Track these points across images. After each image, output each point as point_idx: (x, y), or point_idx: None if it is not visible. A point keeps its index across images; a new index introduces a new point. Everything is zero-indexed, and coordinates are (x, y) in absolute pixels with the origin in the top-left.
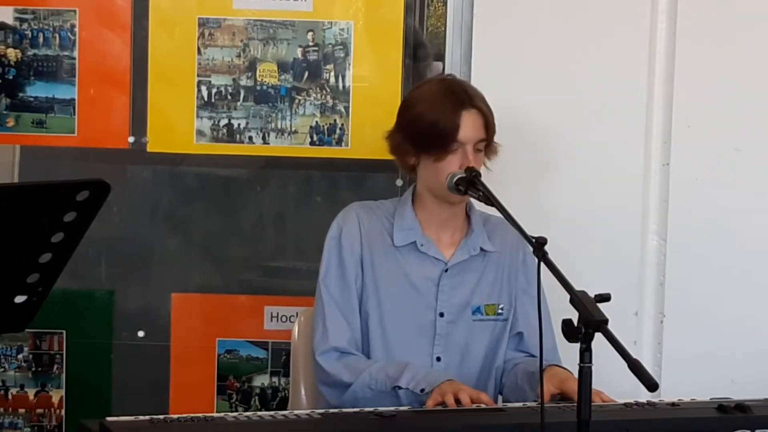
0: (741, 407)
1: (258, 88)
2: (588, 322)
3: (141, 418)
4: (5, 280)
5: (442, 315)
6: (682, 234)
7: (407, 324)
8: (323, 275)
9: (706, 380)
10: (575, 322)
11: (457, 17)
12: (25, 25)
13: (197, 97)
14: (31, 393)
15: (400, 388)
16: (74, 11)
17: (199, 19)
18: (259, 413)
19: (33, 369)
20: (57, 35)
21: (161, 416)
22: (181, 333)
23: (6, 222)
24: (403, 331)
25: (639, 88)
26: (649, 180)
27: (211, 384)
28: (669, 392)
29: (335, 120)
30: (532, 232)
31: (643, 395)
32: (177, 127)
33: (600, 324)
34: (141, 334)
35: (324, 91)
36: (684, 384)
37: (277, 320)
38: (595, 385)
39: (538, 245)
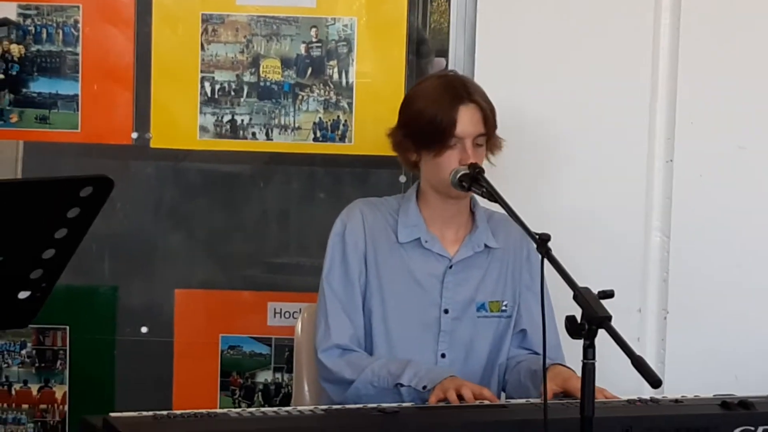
0: (744, 404)
1: (261, 84)
2: (591, 318)
3: (144, 413)
4: (9, 276)
5: (446, 312)
6: (685, 231)
7: (411, 321)
8: (326, 272)
9: (710, 377)
10: (578, 319)
11: (460, 13)
12: (28, 21)
13: (200, 93)
14: (34, 389)
15: (402, 385)
16: (77, 7)
17: (202, 15)
18: (263, 409)
19: (36, 365)
20: (60, 31)
21: (164, 412)
22: (185, 329)
23: (9, 218)
24: (407, 328)
25: (642, 84)
26: (652, 177)
27: (214, 380)
28: (672, 389)
29: (338, 116)
30: (536, 228)
31: (647, 392)
32: (180, 123)
33: (603, 320)
34: (144, 330)
35: (327, 87)
36: (687, 381)
37: (281, 316)
38: (598, 381)
39: (542, 242)
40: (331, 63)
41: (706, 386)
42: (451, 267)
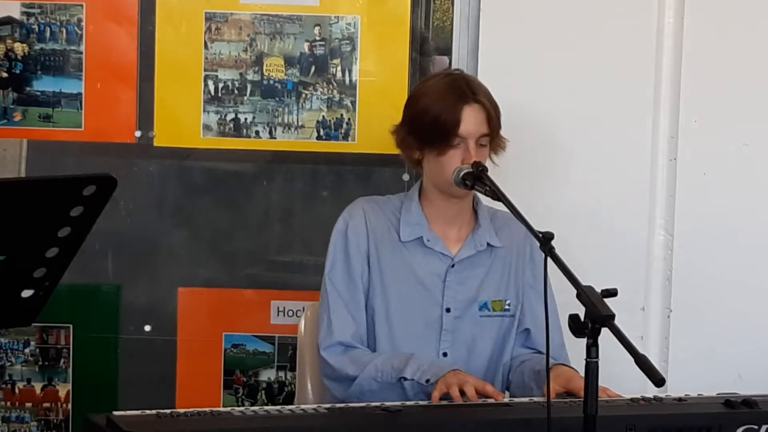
0: (748, 402)
1: (265, 82)
2: (595, 317)
3: (147, 412)
4: (12, 274)
5: (448, 310)
6: (689, 229)
7: (414, 319)
8: (329, 270)
9: (713, 375)
10: (582, 318)
11: (463, 11)
12: (32, 20)
13: (204, 92)
14: (37, 387)
15: (405, 379)
16: (81, 5)
17: (206, 13)
18: (266, 408)
19: (40, 363)
20: (64, 29)
21: (168, 411)
22: (188, 327)
23: (13, 216)
24: (409, 326)
25: (646, 83)
26: (656, 175)
27: (217, 378)
28: (676, 387)
29: (342, 114)
30: (539, 227)
31: (650, 390)
32: (184, 121)
33: (607, 319)
34: (147, 328)
35: (331, 86)
36: (691, 379)
37: (284, 315)
38: (602, 380)
39: (545, 240)
40: (335, 61)
41: (710, 385)
42: (453, 266)
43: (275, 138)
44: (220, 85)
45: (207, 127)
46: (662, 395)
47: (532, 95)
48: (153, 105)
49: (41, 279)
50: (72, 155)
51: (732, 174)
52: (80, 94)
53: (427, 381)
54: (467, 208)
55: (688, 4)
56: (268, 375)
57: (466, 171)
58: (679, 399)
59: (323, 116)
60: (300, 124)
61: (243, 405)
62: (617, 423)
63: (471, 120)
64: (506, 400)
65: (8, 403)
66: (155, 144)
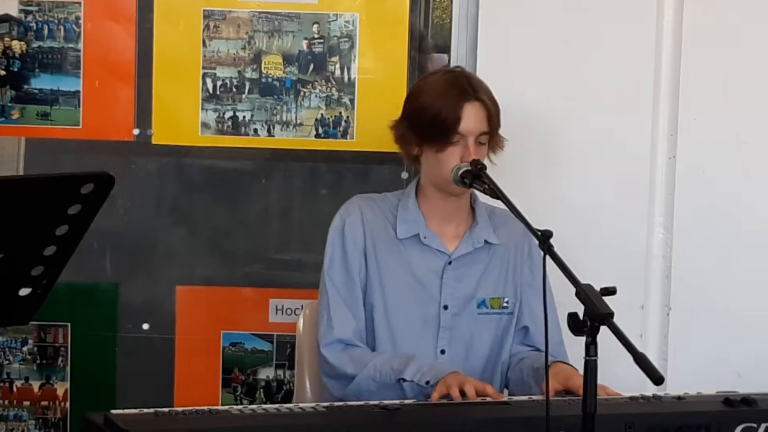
0: (747, 401)
1: (263, 80)
2: (594, 315)
3: (145, 410)
4: (10, 272)
5: (446, 308)
6: (688, 227)
7: (412, 316)
8: (327, 267)
9: (712, 374)
10: (581, 316)
11: (462, 9)
12: (29, 17)
13: (202, 90)
14: (35, 385)
15: (404, 380)
16: (79, 3)
17: (204, 11)
18: (264, 406)
19: (38, 361)
20: (62, 27)
21: (166, 409)
22: (186, 326)
23: (11, 214)
24: (408, 323)
25: (645, 80)
26: (655, 173)
27: (216, 377)
28: (675, 386)
29: (340, 112)
30: (538, 225)
31: (649, 388)
32: (182, 119)
33: (606, 317)
34: (146, 326)
35: (329, 84)
36: (690, 377)
37: (282, 313)
38: (601, 378)
39: (544, 238)
40: (333, 59)
41: (709, 383)
42: (450, 263)
43: (274, 136)
44: (219, 82)
45: (205, 125)
46: (661, 393)
47: (531, 93)
48: (151, 103)
49: (39, 277)
50: (70, 153)
51: (731, 172)
52: (78, 92)
53: (427, 383)
54: (464, 206)
55: (687, 2)
56: (266, 373)
57: (464, 169)
58: (678, 397)
59: (322, 114)
60: (298, 122)
61: (241, 403)
62: (616, 421)
63: (471, 118)
64: (505, 398)
65: (6, 402)
66: (153, 142)
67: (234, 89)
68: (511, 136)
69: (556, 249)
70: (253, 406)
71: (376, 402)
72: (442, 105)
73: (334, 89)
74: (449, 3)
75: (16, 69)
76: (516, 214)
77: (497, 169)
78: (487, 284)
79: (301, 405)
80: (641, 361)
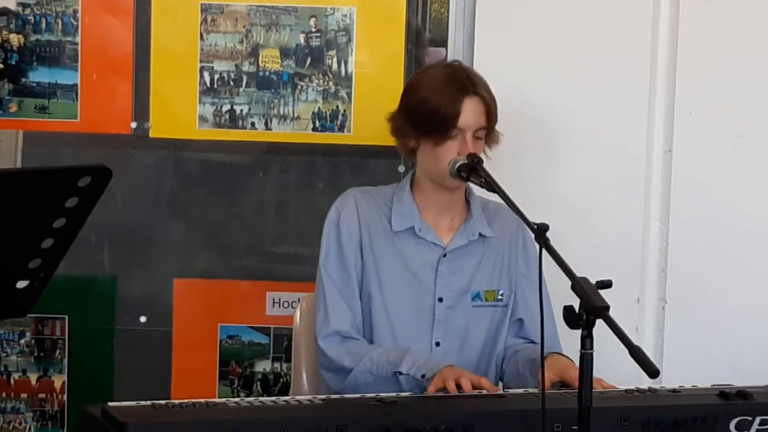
0: (742, 394)
1: (260, 73)
2: (589, 308)
3: (143, 403)
4: (7, 265)
5: (440, 300)
6: (684, 221)
7: (407, 308)
8: (323, 259)
9: (708, 367)
10: (576, 309)
11: (459, 3)
12: (27, 11)
13: (200, 83)
14: (33, 378)
15: (401, 373)
16: None
17: (201, 4)
18: (261, 399)
19: (35, 354)
20: (60, 20)
21: (163, 401)
22: (184, 318)
23: (8, 207)
24: (403, 315)
25: (641, 75)
26: (651, 167)
27: (213, 369)
28: (670, 379)
29: (337, 106)
30: (534, 218)
31: (645, 382)
32: (179, 112)
33: (601, 310)
34: (143, 319)
35: (326, 77)
36: (685, 371)
37: (279, 306)
38: (596, 371)
39: (540, 231)
40: (330, 53)
41: (704, 376)
42: (445, 255)
43: (271, 129)
44: (216, 76)
45: (203, 119)
46: (657, 386)
47: (528, 87)
48: (149, 96)
49: (36, 270)
50: (68, 146)
51: (727, 166)
52: (76, 85)
53: (423, 376)
54: (459, 199)
55: None
56: (263, 366)
57: (461, 163)
58: (674, 390)
59: (319, 108)
60: (296, 115)
61: (238, 396)
62: (612, 414)
63: (470, 112)
64: (501, 391)
65: (3, 394)
66: (151, 135)
67: (231, 83)
68: (508, 131)
69: (552, 242)
70: (250, 399)
71: (373, 395)
72: (442, 99)
73: (331, 83)
74: None
75: (13, 62)
76: (512, 208)
77: (493, 163)
78: (482, 277)
79: (297, 397)
80: (637, 354)
